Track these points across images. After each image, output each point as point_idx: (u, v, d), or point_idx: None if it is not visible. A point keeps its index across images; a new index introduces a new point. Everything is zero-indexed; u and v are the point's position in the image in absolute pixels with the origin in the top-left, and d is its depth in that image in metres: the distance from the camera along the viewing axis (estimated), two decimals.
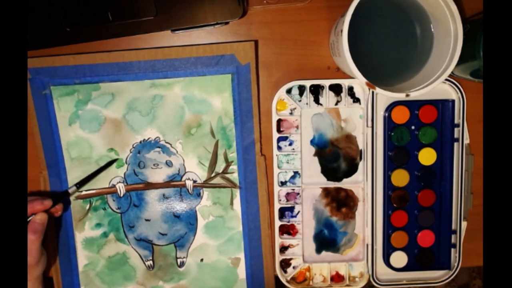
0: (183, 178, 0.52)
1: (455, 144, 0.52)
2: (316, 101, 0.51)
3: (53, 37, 0.46)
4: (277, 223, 0.53)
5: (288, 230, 0.53)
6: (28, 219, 0.46)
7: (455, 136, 0.51)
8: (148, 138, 0.51)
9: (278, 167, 0.52)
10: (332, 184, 0.53)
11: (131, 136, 0.51)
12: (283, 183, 0.52)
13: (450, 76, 0.46)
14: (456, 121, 0.51)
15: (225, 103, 0.50)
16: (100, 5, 0.45)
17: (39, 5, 0.44)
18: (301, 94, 0.51)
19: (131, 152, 0.51)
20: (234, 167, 0.52)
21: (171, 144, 0.51)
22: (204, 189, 0.52)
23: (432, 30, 0.44)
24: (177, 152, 0.52)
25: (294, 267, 0.54)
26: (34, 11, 0.45)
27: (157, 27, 0.47)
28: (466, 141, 0.52)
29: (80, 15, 0.45)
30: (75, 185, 0.50)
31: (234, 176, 0.52)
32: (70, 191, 0.50)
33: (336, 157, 0.52)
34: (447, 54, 0.41)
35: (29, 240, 0.45)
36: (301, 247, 0.54)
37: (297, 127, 0.51)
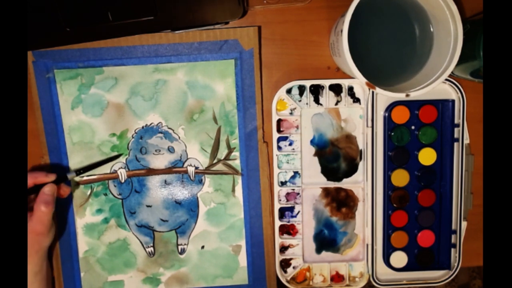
0: (185, 165, 0.52)
1: (455, 144, 0.52)
2: (316, 101, 0.51)
3: (53, 37, 0.46)
4: (277, 223, 0.53)
5: (288, 230, 0.53)
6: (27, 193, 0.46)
7: (455, 136, 0.51)
8: (151, 124, 0.51)
9: (278, 167, 0.52)
10: (332, 184, 0.53)
11: (133, 121, 0.51)
12: (283, 183, 0.52)
13: (450, 76, 0.46)
14: (456, 121, 0.51)
15: (228, 89, 0.50)
16: (100, 5, 0.45)
17: (39, 5, 0.44)
18: (301, 94, 0.51)
19: (133, 137, 0.51)
20: (236, 153, 0.52)
21: (173, 130, 0.51)
22: (206, 175, 0.52)
23: (432, 30, 0.44)
24: (179, 138, 0.51)
25: (294, 267, 0.54)
26: (34, 11, 0.44)
27: (157, 27, 0.47)
28: (466, 141, 0.52)
29: (80, 15, 0.45)
30: (75, 171, 0.50)
31: (236, 163, 0.52)
32: (69, 176, 0.49)
33: (336, 157, 0.52)
34: (447, 54, 0.41)
35: (42, 212, 0.45)
36: (301, 247, 0.54)
37: (297, 127, 0.51)
